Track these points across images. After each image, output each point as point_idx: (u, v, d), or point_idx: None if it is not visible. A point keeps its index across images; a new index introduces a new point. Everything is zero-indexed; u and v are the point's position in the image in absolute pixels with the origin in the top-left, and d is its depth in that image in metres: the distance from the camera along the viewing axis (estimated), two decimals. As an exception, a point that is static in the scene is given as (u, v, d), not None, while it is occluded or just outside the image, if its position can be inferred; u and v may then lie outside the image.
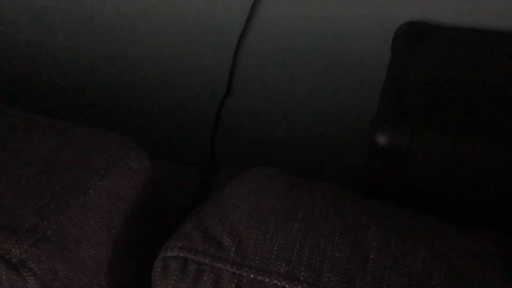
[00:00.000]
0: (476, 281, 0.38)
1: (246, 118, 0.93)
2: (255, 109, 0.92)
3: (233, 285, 0.41)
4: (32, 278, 0.41)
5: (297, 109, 0.87)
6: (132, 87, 0.95)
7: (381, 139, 0.50)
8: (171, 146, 0.97)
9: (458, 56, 0.60)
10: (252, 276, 0.41)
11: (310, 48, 0.81)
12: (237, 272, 0.41)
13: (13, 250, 0.41)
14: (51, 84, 0.95)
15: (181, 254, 0.44)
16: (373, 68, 0.70)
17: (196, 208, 0.50)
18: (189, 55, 0.90)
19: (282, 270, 0.41)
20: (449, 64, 0.58)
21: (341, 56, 0.78)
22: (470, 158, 0.50)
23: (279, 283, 0.40)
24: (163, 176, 0.77)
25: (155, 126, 0.97)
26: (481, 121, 0.52)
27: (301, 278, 0.40)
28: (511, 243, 0.42)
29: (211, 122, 0.95)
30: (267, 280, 0.40)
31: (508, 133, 0.50)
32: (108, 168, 0.49)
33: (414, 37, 0.64)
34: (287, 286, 0.40)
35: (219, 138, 0.95)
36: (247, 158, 0.93)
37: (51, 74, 0.94)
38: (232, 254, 0.42)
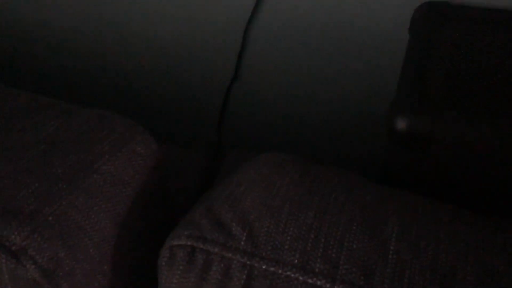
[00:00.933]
0: (506, 277, 0.35)
1: (254, 102, 0.90)
2: (263, 93, 0.90)
3: (244, 276, 0.39)
4: (33, 266, 0.39)
5: (307, 94, 0.85)
6: (140, 71, 0.93)
7: (402, 123, 0.47)
8: (178, 130, 0.95)
9: (481, 38, 0.57)
10: (264, 267, 0.39)
11: (322, 30, 0.78)
12: (248, 262, 0.39)
13: (13, 236, 0.39)
14: (57, 65, 0.93)
15: (189, 243, 0.41)
16: (387, 51, 0.67)
17: (204, 194, 0.48)
18: (197, 38, 0.88)
19: (296, 261, 0.38)
20: (471, 46, 0.55)
21: (354, 38, 0.75)
22: (494, 143, 0.47)
23: (293, 275, 0.38)
24: (170, 160, 0.75)
25: (162, 110, 0.95)
26: (506, 105, 0.49)
27: (317, 270, 0.38)
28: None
29: (218, 106, 0.92)
30: (280, 271, 0.38)
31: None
32: (113, 151, 0.47)
33: (435, 18, 0.60)
34: (301, 278, 0.38)
35: (226, 122, 0.93)
36: (254, 142, 0.91)
37: (55, 55, 0.92)
38: (243, 243, 0.40)
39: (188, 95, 0.93)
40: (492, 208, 0.48)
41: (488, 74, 0.52)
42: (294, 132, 0.89)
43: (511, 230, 0.40)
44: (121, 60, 0.92)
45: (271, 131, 0.90)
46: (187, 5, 0.85)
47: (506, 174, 0.47)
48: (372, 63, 0.72)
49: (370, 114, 0.68)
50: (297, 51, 0.82)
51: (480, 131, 0.47)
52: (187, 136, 0.94)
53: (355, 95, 0.78)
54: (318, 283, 0.37)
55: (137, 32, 0.89)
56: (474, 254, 0.37)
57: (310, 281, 0.37)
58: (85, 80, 0.94)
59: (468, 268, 0.36)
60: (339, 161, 0.81)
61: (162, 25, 0.88)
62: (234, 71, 0.90)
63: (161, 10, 0.86)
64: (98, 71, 0.93)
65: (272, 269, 0.38)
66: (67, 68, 0.92)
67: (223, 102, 0.92)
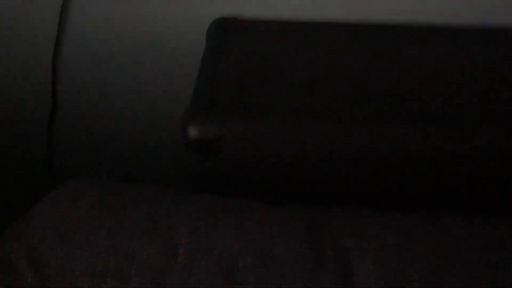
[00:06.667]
0: (283, 259, 0.38)
1: (79, 129, 0.87)
2: (87, 120, 0.87)
3: (33, 314, 0.37)
4: None
5: (127, 112, 0.84)
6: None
7: (192, 131, 0.49)
8: (8, 173, 0.88)
9: (266, 47, 0.62)
10: (54, 298, 0.37)
11: (129, 47, 0.78)
12: (37, 298, 0.37)
13: None
14: None
15: (-29, 291, 0.38)
16: (193, 65, 0.71)
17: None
18: (5, 77, 0.82)
19: (87, 286, 0.37)
20: (257, 54, 0.60)
21: (163, 53, 0.77)
22: (281, 140, 0.52)
23: (84, 300, 0.37)
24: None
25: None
26: (293, 102, 0.54)
27: (108, 289, 0.37)
28: (317, 214, 0.44)
29: (43, 141, 0.87)
30: (70, 299, 0.37)
31: (314, 112, 0.53)
32: None
33: (224, 31, 0.65)
34: (93, 301, 0.37)
35: (56, 154, 0.88)
36: (88, 169, 0.88)
37: None
38: (29, 280, 0.38)
39: (14, 131, 0.87)
40: (287, 198, 0.52)
41: (274, 76, 0.57)
42: (126, 152, 0.87)
43: (292, 213, 0.44)
44: None
45: (103, 153, 0.88)
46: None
47: (294, 164, 0.52)
48: (185, 75, 0.75)
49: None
50: (110, 68, 0.81)
51: (266, 130, 0.52)
52: (18, 178, 0.87)
53: (170, 107, 0.78)
54: (110, 302, 0.36)
55: None
56: (256, 243, 0.40)
57: (102, 301, 0.37)
58: None
59: (250, 256, 0.39)
60: (169, 175, 0.82)
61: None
62: (52, 103, 0.86)
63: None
64: None
65: (62, 298, 0.37)
66: None
67: (48, 136, 0.87)
